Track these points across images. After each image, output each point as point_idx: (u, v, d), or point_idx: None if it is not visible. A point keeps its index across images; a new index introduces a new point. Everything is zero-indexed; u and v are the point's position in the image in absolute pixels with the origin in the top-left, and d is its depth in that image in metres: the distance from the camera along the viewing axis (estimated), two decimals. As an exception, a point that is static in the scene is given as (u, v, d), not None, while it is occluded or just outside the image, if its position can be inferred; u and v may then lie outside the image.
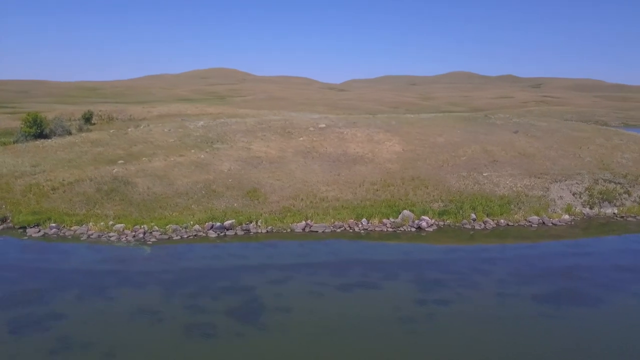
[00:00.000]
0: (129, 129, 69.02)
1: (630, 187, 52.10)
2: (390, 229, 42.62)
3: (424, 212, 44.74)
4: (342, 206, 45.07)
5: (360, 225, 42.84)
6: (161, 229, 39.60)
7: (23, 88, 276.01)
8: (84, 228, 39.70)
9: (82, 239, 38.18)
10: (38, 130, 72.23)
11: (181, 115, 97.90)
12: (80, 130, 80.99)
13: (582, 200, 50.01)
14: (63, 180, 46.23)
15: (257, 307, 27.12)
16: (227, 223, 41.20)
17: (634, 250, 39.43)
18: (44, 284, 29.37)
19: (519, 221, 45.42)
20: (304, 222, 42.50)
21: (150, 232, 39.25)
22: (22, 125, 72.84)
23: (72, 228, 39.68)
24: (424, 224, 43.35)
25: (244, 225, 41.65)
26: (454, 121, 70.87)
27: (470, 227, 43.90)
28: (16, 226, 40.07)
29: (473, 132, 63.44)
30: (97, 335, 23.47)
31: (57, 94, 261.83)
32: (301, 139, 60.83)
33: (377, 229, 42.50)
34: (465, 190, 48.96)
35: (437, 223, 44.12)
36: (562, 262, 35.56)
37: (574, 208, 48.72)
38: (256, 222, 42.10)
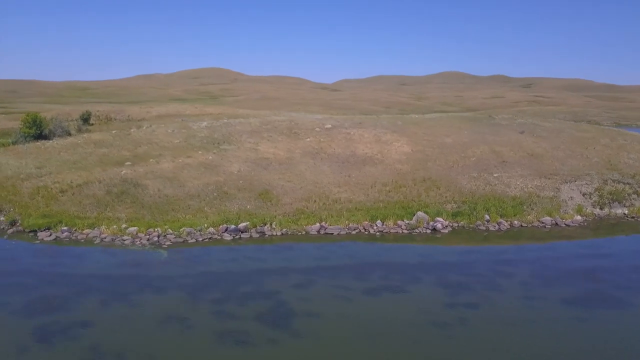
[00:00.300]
0: (132, 130, 68.14)
1: (639, 187, 52.23)
2: (406, 231, 42.32)
3: (438, 214, 44.48)
4: (356, 208, 44.69)
5: (375, 227, 42.49)
6: (175, 232, 38.98)
7: (12, 88, 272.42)
8: (96, 231, 38.96)
9: (95, 242, 37.46)
10: (37, 131, 70.98)
11: (180, 115, 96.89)
12: (80, 130, 79.78)
13: (592, 201, 50.06)
14: (71, 182, 45.42)
15: (285, 312, 26.65)
16: (241, 225, 40.66)
17: (650, 251, 39.47)
18: (65, 290, 28.67)
19: (532, 222, 45.32)
20: (318, 224, 42.08)
21: (165, 235, 38.61)
22: (22, 126, 71.51)
23: (84, 231, 38.93)
24: (438, 225, 43.10)
25: (258, 227, 41.14)
26: (459, 121, 70.77)
27: (484, 228, 43.71)
28: (26, 230, 39.23)
29: (480, 133, 63.35)
30: (128, 344, 22.90)
31: (48, 93, 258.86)
32: (308, 139, 60.38)
33: (392, 230, 42.18)
34: (477, 191, 48.79)
35: (451, 224, 43.90)
36: (581, 263, 35.43)
37: (584, 209, 48.76)
38: (270, 225, 41.61)
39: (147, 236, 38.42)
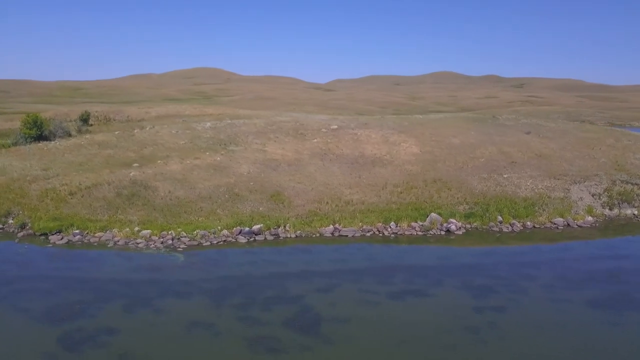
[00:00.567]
0: (135, 131, 67.35)
1: (647, 188, 52.32)
2: (420, 233, 42.05)
3: (451, 215, 44.28)
4: (369, 209, 44.36)
5: (389, 229, 42.16)
6: (189, 235, 38.45)
7: (3, 87, 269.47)
8: (108, 234, 38.34)
9: (108, 245, 36.84)
10: (38, 132, 70.02)
11: (180, 116, 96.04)
12: (80, 131, 78.70)
13: (601, 202, 50.07)
14: (79, 184, 44.71)
15: (313, 317, 26.25)
16: (255, 228, 40.21)
17: (666, 252, 39.50)
18: (85, 295, 28.07)
19: (544, 223, 45.23)
20: (332, 226, 41.71)
21: (179, 238, 38.06)
22: (22, 127, 70.46)
23: (96, 234, 38.29)
24: (452, 227, 42.88)
25: (272, 229, 40.71)
26: (464, 122, 70.68)
27: (497, 229, 43.55)
28: (37, 233, 38.51)
29: (486, 134, 63.27)
30: (158, 351, 22.42)
31: (40, 93, 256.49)
32: (315, 140, 59.98)
33: (406, 232, 41.88)
34: (488, 192, 48.65)
35: (464, 226, 43.68)
36: (601, 265, 35.33)
37: (594, 209, 48.75)
38: (284, 227, 41.19)
39: (161, 239, 37.85)
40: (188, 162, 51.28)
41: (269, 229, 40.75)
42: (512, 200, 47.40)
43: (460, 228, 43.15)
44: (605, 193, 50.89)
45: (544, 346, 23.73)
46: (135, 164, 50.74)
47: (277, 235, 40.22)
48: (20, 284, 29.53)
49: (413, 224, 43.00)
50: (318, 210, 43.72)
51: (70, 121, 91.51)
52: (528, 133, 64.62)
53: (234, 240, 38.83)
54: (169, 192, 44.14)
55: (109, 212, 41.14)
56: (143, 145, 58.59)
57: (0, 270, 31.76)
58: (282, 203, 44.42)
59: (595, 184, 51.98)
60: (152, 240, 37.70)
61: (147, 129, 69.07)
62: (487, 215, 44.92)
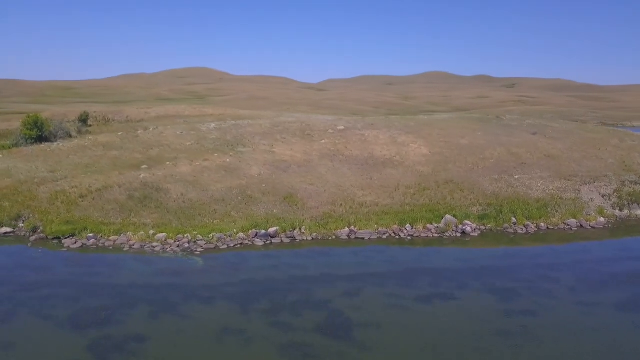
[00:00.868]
0: (139, 132, 66.55)
1: (656, 188, 52.52)
2: (436, 235, 41.84)
3: (466, 217, 44.10)
4: (383, 211, 44.07)
5: (405, 231, 41.90)
6: (205, 238, 37.90)
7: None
8: (123, 238, 37.68)
9: (124, 249, 36.19)
10: (39, 132, 68.98)
11: (180, 116, 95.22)
12: (80, 132, 77.77)
13: (611, 202, 50.18)
14: (89, 187, 43.98)
15: (343, 322, 25.87)
16: (271, 230, 39.75)
17: (682, 253, 39.59)
18: (108, 301, 27.46)
19: (558, 224, 45.20)
20: (347, 229, 41.38)
21: (195, 242, 37.51)
22: (22, 128, 69.36)
23: (110, 238, 37.61)
24: (468, 228, 42.70)
25: (288, 232, 40.29)
26: (469, 122, 70.67)
27: (512, 231, 43.44)
28: (49, 237, 37.75)
29: (493, 134, 63.26)
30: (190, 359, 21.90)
31: (31, 93, 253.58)
32: (323, 141, 59.60)
33: (422, 234, 41.65)
34: (500, 193, 48.56)
35: (479, 227, 43.53)
36: (621, 267, 35.29)
37: (605, 210, 48.83)
38: (300, 229, 40.79)
39: (177, 242, 37.28)
40: (197, 163, 50.68)
41: (284, 231, 40.32)
42: (525, 201, 47.34)
43: (475, 230, 42.98)
44: (615, 194, 51.01)
45: (580, 351, 23.54)
46: (144, 166, 50.04)
47: (293, 238, 39.80)
48: (40, 290, 28.83)
49: (428, 225, 42.78)
50: (332, 212, 43.35)
51: (69, 122, 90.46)
52: (534, 134, 64.71)
53: (250, 243, 38.35)
54: (182, 194, 43.55)
55: (122, 215, 40.47)
56: (149, 147, 57.87)
57: (17, 276, 31.03)
58: (296, 205, 44.00)
59: (605, 185, 52.11)
60: (168, 243, 37.11)
61: (151, 129, 68.27)
62: (501, 216, 44.80)
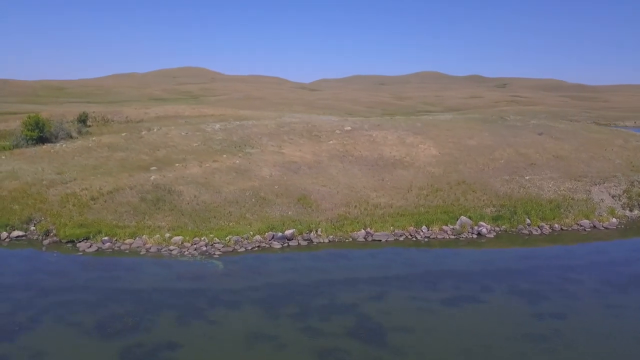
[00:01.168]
0: (143, 133, 65.77)
1: (665, 189, 52.71)
2: (452, 236, 41.64)
3: (480, 218, 43.95)
4: (398, 213, 43.80)
5: (421, 233, 41.65)
6: (223, 241, 37.40)
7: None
8: (138, 241, 37.08)
9: (141, 253, 35.61)
10: (40, 133, 68.01)
11: (180, 117, 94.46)
12: (80, 133, 76.85)
13: (621, 203, 50.27)
14: (100, 189, 43.29)
15: (374, 327, 25.53)
16: (288, 233, 39.34)
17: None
18: (133, 307, 26.91)
19: (571, 225, 45.17)
20: (363, 231, 41.06)
21: (212, 245, 36.99)
22: (23, 129, 68.34)
23: (126, 241, 36.99)
24: (483, 230, 42.55)
25: (304, 234, 39.90)
26: (475, 123, 70.61)
27: (527, 232, 43.34)
28: (63, 240, 37.05)
29: (500, 135, 63.24)
30: (230, 366, 21.47)
31: (23, 93, 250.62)
32: (331, 142, 59.24)
33: (438, 236, 41.43)
34: (512, 194, 48.48)
35: (494, 229, 43.40)
36: (641, 268, 35.35)
37: (616, 211, 48.92)
38: (316, 231, 40.41)
39: (194, 245, 36.75)
40: (207, 165, 50.11)
41: (301, 233, 39.92)
42: (537, 202, 47.28)
43: (490, 231, 42.84)
44: (625, 194, 51.11)
45: (618, 355, 23.37)
46: (153, 168, 49.39)
47: (309, 240, 39.42)
48: (62, 296, 28.21)
49: (444, 227, 42.57)
50: (347, 214, 43.01)
51: (68, 122, 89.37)
52: (540, 134, 64.77)
53: (267, 245, 37.91)
54: (195, 196, 42.99)
55: (135, 218, 39.85)
56: (155, 148, 57.18)
57: (36, 280, 30.36)
58: (310, 207, 43.61)
59: (614, 185, 52.21)
60: (184, 247, 36.58)
61: (155, 130, 67.53)
62: (515, 217, 44.69)
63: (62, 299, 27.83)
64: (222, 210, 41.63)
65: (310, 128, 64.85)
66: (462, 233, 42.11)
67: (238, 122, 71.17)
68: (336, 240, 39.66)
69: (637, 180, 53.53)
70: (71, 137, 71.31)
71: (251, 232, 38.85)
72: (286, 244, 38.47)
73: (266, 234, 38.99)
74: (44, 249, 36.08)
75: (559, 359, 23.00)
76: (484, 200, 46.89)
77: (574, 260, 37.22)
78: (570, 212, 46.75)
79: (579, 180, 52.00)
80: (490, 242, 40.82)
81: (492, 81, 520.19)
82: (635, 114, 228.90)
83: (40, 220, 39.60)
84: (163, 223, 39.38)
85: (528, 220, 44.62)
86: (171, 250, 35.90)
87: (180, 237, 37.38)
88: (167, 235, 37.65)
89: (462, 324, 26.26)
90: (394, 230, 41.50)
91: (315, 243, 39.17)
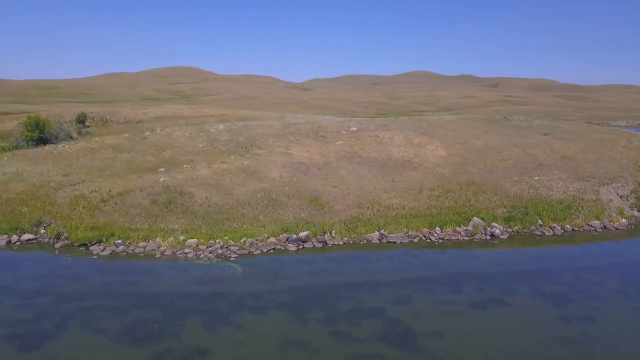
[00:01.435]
0: (146, 133, 65.01)
1: (672, 189, 52.94)
2: (466, 238, 41.47)
3: (493, 219, 43.84)
4: (411, 214, 43.55)
5: (435, 235, 41.44)
6: (238, 243, 36.94)
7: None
8: (152, 244, 36.51)
9: (155, 256, 35.02)
10: (40, 134, 67.04)
11: (180, 117, 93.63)
12: (80, 133, 75.89)
13: (629, 203, 50.39)
14: (110, 191, 42.61)
15: (404, 331, 25.21)
16: (302, 235, 38.94)
17: None
18: (156, 312, 26.37)
19: (582, 226, 45.19)
20: (377, 233, 40.78)
21: (228, 247, 36.50)
22: (23, 129, 67.33)
23: (140, 244, 36.40)
24: (497, 231, 42.42)
25: (318, 236, 39.55)
26: (480, 123, 70.58)
27: (539, 233, 43.29)
28: (75, 243, 36.38)
29: (507, 135, 63.23)
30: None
31: (13, 92, 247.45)
32: (338, 143, 58.90)
33: (452, 238, 41.23)
34: (523, 195, 48.42)
35: (506, 230, 43.30)
36: (659, 269, 35.35)
37: (625, 211, 49.03)
38: (330, 233, 40.08)
39: (209, 248, 36.25)
40: (216, 166, 49.55)
41: (315, 235, 39.56)
42: (548, 202, 47.26)
43: (503, 232, 42.74)
44: (633, 194, 51.26)
45: (651, 357, 23.27)
46: (161, 169, 48.77)
47: (324, 242, 39.06)
48: (83, 301, 27.59)
49: (458, 228, 42.40)
50: (360, 216, 42.69)
51: (66, 122, 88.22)
52: (545, 134, 64.86)
53: (283, 248, 37.49)
54: (206, 198, 42.45)
55: (147, 221, 39.25)
56: (160, 149, 56.52)
57: (54, 285, 29.69)
58: (322, 208, 43.23)
59: (622, 186, 52.35)
60: (199, 249, 36.06)
61: (158, 131, 66.79)
62: (527, 218, 44.66)
63: (84, 304, 27.21)
64: (235, 212, 41.13)
65: (315, 128, 64.46)
66: (475, 234, 41.95)
67: (241, 123, 70.61)
68: (351, 242, 39.35)
69: (644, 181, 53.69)
70: (71, 138, 70.36)
71: (265, 234, 38.41)
72: (301, 246, 38.08)
73: (280, 236, 38.59)
74: (56, 252, 35.38)
75: (594, 362, 22.81)
76: (495, 201, 46.78)
77: (591, 261, 37.18)
78: (580, 212, 46.77)
79: (587, 181, 52.06)
80: (504, 243, 40.69)
81: (484, 81, 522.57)
82: (627, 114, 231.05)
83: (50, 223, 38.88)
84: (176, 225, 38.82)
85: (540, 221, 44.58)
86: (186, 253, 35.37)
87: (195, 239, 36.85)
88: (181, 237, 37.12)
89: (492, 327, 26.02)
90: (407, 232, 41.27)
91: (330, 245, 38.82)
